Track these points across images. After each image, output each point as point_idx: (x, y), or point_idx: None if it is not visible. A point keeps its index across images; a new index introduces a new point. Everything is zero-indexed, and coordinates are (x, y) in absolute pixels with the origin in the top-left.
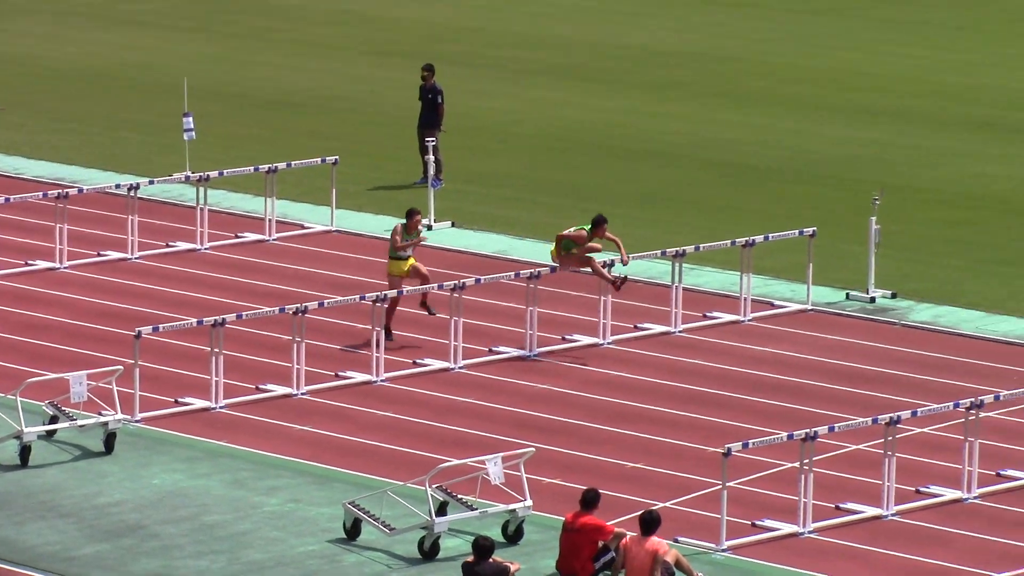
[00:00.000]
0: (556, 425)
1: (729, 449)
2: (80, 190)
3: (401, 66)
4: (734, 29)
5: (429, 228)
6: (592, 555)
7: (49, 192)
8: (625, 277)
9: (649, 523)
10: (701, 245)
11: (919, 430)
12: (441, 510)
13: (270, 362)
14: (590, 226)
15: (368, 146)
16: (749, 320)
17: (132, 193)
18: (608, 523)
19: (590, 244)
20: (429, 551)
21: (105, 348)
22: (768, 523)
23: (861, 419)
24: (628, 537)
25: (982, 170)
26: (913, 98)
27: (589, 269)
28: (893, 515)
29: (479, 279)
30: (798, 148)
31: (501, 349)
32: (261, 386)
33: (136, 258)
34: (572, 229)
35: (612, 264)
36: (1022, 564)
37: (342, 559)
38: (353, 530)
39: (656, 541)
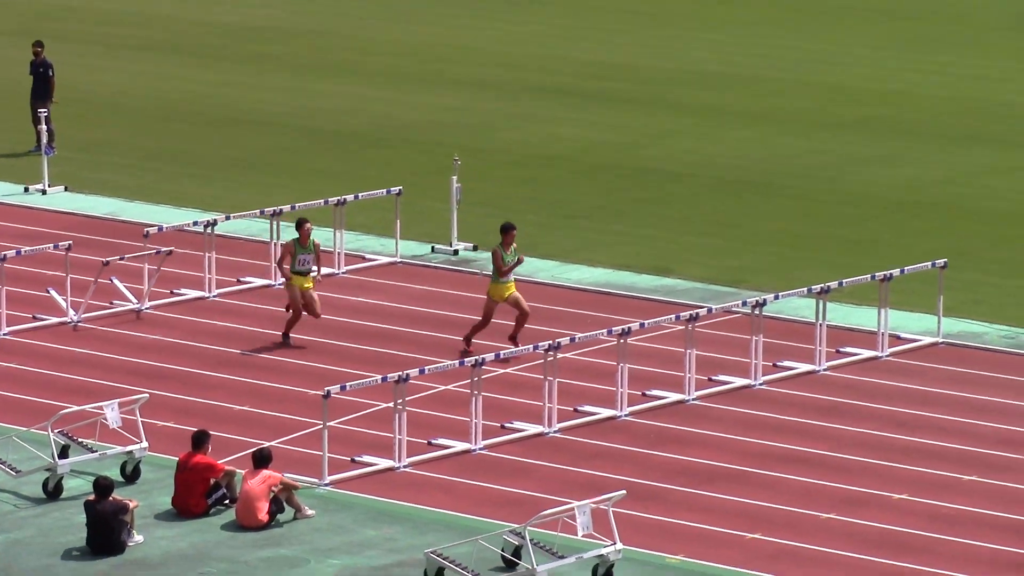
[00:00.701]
0: (168, 372)
1: (328, 391)
2: None
3: (12, 44)
4: (328, 5)
5: (43, 193)
6: (205, 492)
7: None
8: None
9: (261, 459)
10: (296, 204)
11: (503, 371)
12: (63, 453)
13: None
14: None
15: None
16: (344, 272)
17: None
18: (219, 462)
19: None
20: (53, 491)
21: None
22: (366, 459)
23: (449, 362)
24: (244, 472)
25: (553, 132)
26: (490, 68)
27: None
28: (481, 449)
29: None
30: (385, 115)
31: (117, 303)
32: None
33: None
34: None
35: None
36: (600, 491)
37: None
38: None
39: (267, 473)
